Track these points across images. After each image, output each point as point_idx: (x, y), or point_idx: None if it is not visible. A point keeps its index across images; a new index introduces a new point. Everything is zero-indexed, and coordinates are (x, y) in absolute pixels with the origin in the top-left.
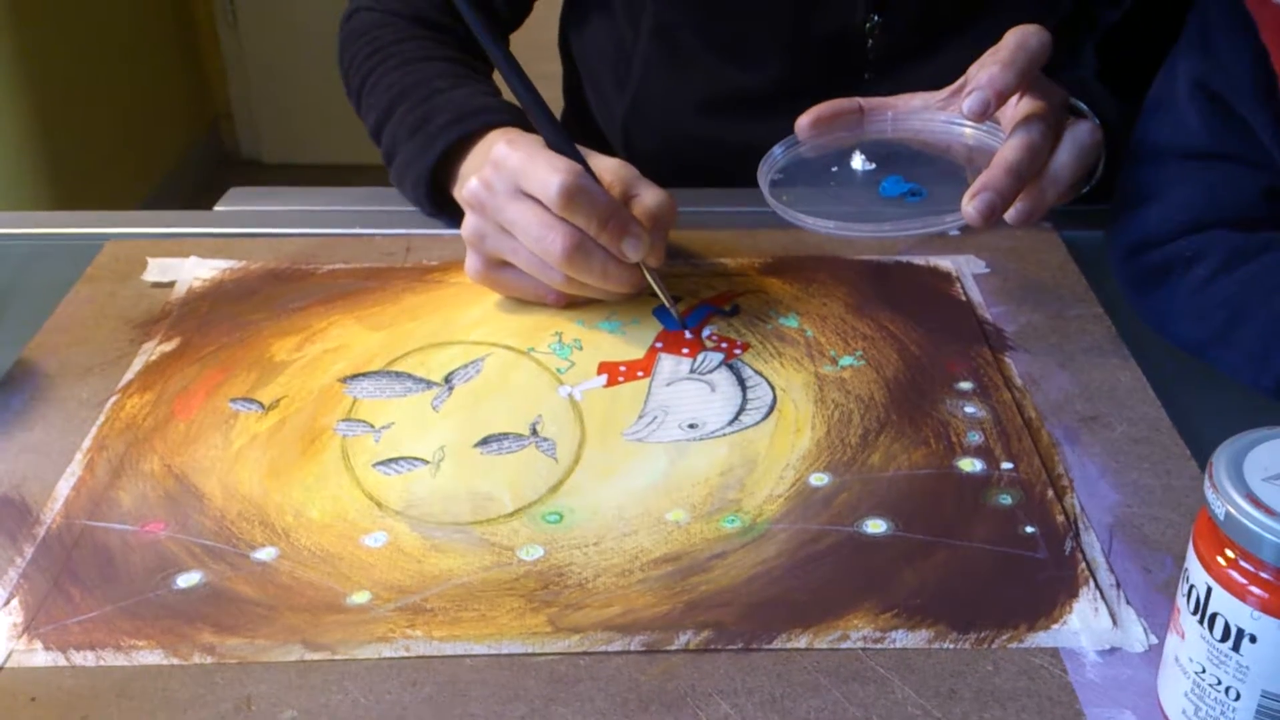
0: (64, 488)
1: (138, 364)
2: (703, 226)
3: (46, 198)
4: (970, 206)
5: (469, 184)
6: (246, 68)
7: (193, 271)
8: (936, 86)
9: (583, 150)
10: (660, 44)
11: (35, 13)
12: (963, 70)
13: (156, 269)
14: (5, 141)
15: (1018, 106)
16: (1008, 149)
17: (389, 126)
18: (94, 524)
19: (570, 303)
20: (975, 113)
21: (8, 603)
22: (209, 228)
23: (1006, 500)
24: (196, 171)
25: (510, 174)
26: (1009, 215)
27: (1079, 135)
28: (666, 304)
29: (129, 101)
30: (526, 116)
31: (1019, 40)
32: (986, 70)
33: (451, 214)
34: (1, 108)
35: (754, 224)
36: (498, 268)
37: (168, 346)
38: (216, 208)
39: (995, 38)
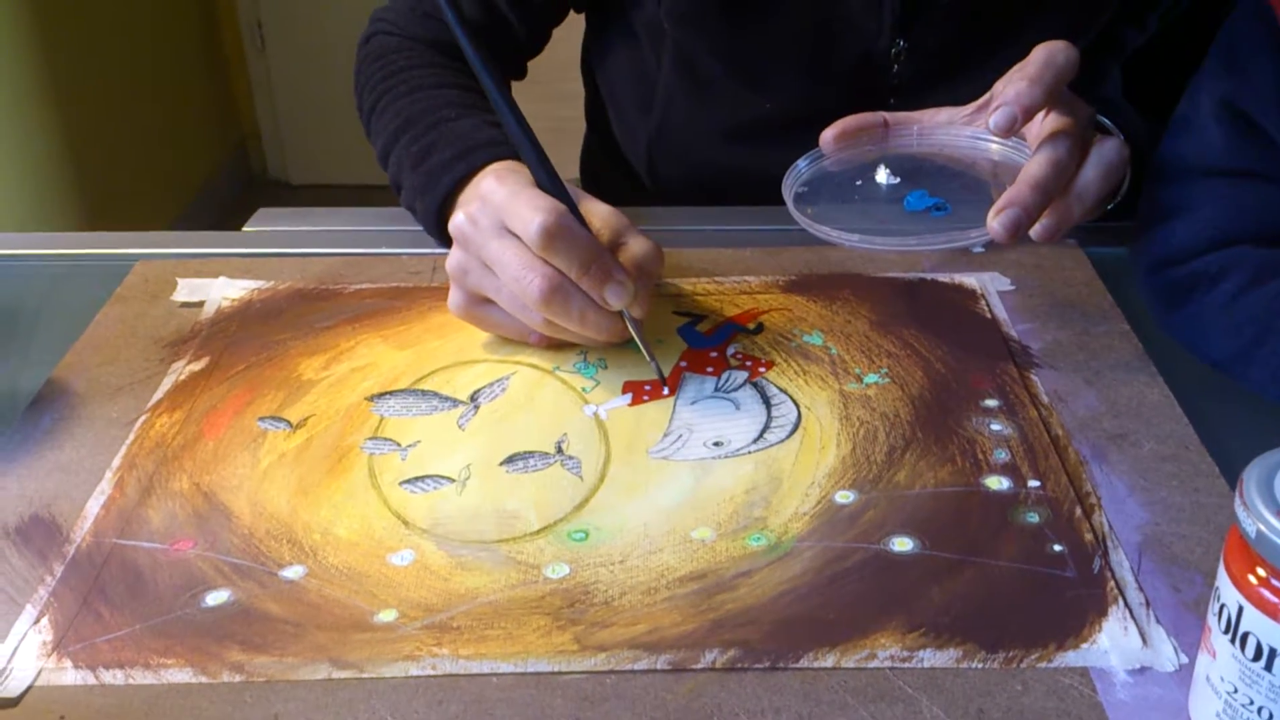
0: (94, 506)
1: (167, 383)
2: (726, 245)
3: (75, 220)
4: (995, 222)
5: (455, 218)
6: (273, 90)
7: (221, 291)
8: None
9: (577, 193)
10: (682, 72)
11: (64, 36)
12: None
13: (186, 289)
14: (35, 164)
15: (1044, 122)
16: (1034, 165)
17: (394, 155)
18: (124, 542)
19: (553, 344)
20: (1002, 128)
21: (38, 621)
22: (238, 248)
23: (1034, 518)
24: (224, 193)
25: (495, 210)
26: (1034, 231)
27: (1106, 152)
28: (647, 357)
29: (157, 124)
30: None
31: (1046, 56)
32: (1013, 85)
33: None
34: (31, 130)
35: (777, 242)
36: (480, 304)
37: (196, 366)
38: (245, 228)
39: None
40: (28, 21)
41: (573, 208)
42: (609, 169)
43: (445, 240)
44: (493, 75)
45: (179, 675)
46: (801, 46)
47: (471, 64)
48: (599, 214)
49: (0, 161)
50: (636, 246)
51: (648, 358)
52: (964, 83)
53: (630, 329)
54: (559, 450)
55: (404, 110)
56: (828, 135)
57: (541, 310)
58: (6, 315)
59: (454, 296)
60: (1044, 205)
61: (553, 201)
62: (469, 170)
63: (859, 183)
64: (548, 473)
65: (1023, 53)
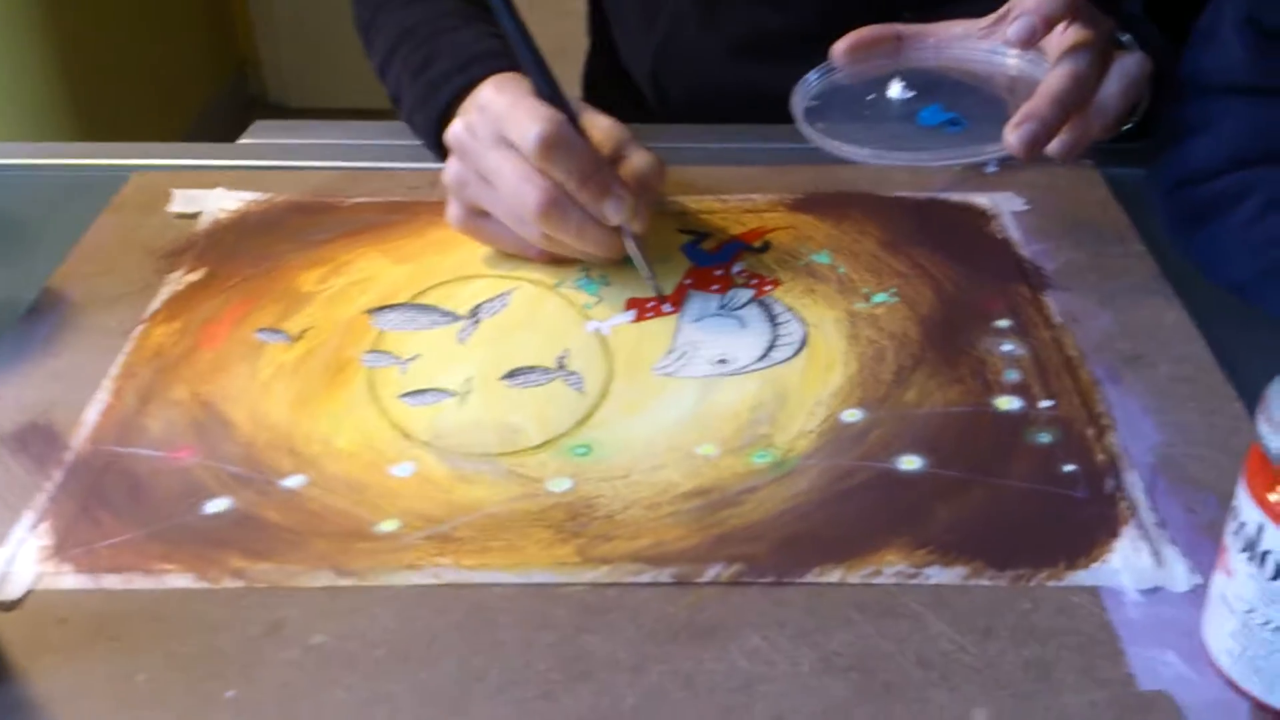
0: (92, 414)
1: (164, 294)
2: (732, 163)
3: (73, 137)
4: (1013, 136)
5: (453, 127)
6: (273, 13)
7: (218, 203)
8: None
9: (579, 105)
10: None
11: None
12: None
13: (182, 200)
14: (31, 87)
15: (1063, 35)
16: (1053, 78)
17: (393, 67)
18: (122, 450)
19: (553, 259)
20: (1020, 39)
21: (36, 526)
22: (234, 159)
23: (1045, 438)
24: (223, 117)
25: (493, 120)
26: (1052, 148)
27: (1128, 66)
28: (645, 275)
29: (156, 48)
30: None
31: None
32: None
33: None
34: (27, 53)
35: (784, 160)
36: (478, 217)
37: (194, 277)
38: (241, 140)
39: None
40: None
41: (573, 118)
42: (612, 87)
43: (443, 154)
44: None
45: (179, 580)
46: None
47: None
48: (600, 126)
49: None
50: (638, 160)
51: (646, 275)
52: None
53: (628, 245)
54: (560, 366)
55: (402, 20)
56: (839, 47)
57: (539, 224)
58: (1, 225)
59: (452, 209)
60: (1063, 120)
61: (552, 111)
62: (468, 82)
63: (871, 97)
64: (549, 387)
65: None
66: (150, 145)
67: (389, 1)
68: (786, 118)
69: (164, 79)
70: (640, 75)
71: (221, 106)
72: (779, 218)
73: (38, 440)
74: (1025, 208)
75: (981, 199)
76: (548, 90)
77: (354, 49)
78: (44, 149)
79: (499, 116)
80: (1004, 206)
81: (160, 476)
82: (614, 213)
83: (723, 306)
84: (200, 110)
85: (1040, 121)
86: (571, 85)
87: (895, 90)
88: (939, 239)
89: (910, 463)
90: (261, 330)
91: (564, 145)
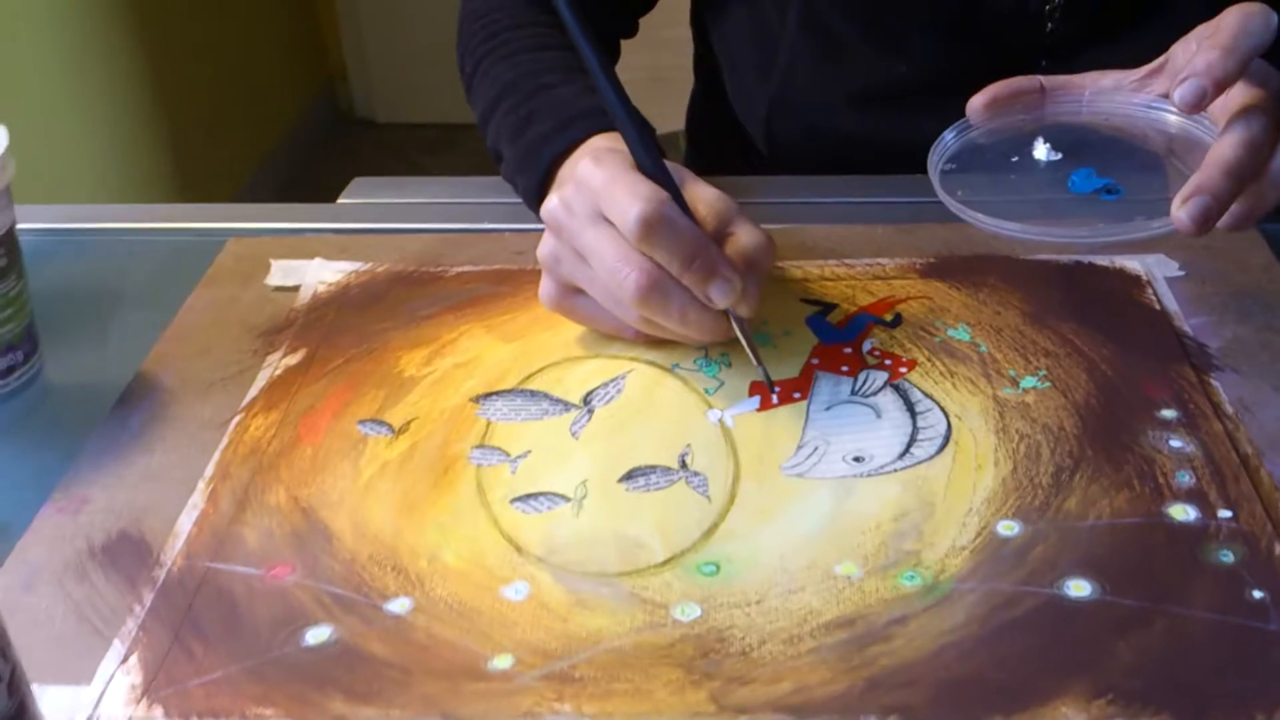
0: (186, 522)
1: (262, 378)
2: (854, 220)
3: (165, 161)
4: (1182, 212)
5: (548, 203)
6: (360, 28)
7: (317, 275)
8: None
9: (681, 174)
10: (810, 33)
11: None
12: (1147, 57)
13: (280, 272)
14: (122, 105)
15: (1232, 95)
16: (1225, 146)
17: (493, 122)
18: (218, 566)
19: (651, 340)
20: (1189, 104)
21: (125, 659)
22: (333, 222)
23: (1228, 557)
24: (313, 131)
25: (591, 196)
26: (1222, 221)
27: None
28: (754, 363)
29: (244, 64)
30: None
31: (1241, 22)
32: (1204, 55)
33: None
34: (119, 69)
35: (911, 217)
36: (572, 295)
37: (292, 359)
38: (340, 200)
39: (1190, 17)
40: None
41: (675, 193)
42: (720, 135)
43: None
44: (593, 46)
45: None
46: (946, 2)
47: (571, 34)
48: (704, 200)
49: (90, 96)
50: (745, 237)
51: (754, 362)
52: (1126, 41)
53: (735, 329)
54: (683, 465)
55: (502, 76)
56: (977, 103)
57: (638, 308)
58: (91, 297)
59: (545, 286)
60: (1237, 192)
61: (653, 188)
62: (568, 145)
63: (1014, 158)
64: (672, 491)
65: (1192, 7)
66: (247, 207)
67: (490, 54)
68: (908, 167)
69: (253, 95)
70: (753, 123)
71: (311, 120)
72: (910, 285)
73: (129, 554)
74: (1180, 273)
75: (1132, 263)
76: (648, 162)
77: (441, 63)
78: (136, 211)
79: (596, 192)
80: (1157, 272)
81: (257, 598)
82: (720, 296)
83: (855, 392)
84: (290, 125)
85: (1213, 196)
86: (672, 118)
87: (1041, 151)
88: (1088, 311)
89: (1079, 588)
90: (363, 422)
91: (666, 226)
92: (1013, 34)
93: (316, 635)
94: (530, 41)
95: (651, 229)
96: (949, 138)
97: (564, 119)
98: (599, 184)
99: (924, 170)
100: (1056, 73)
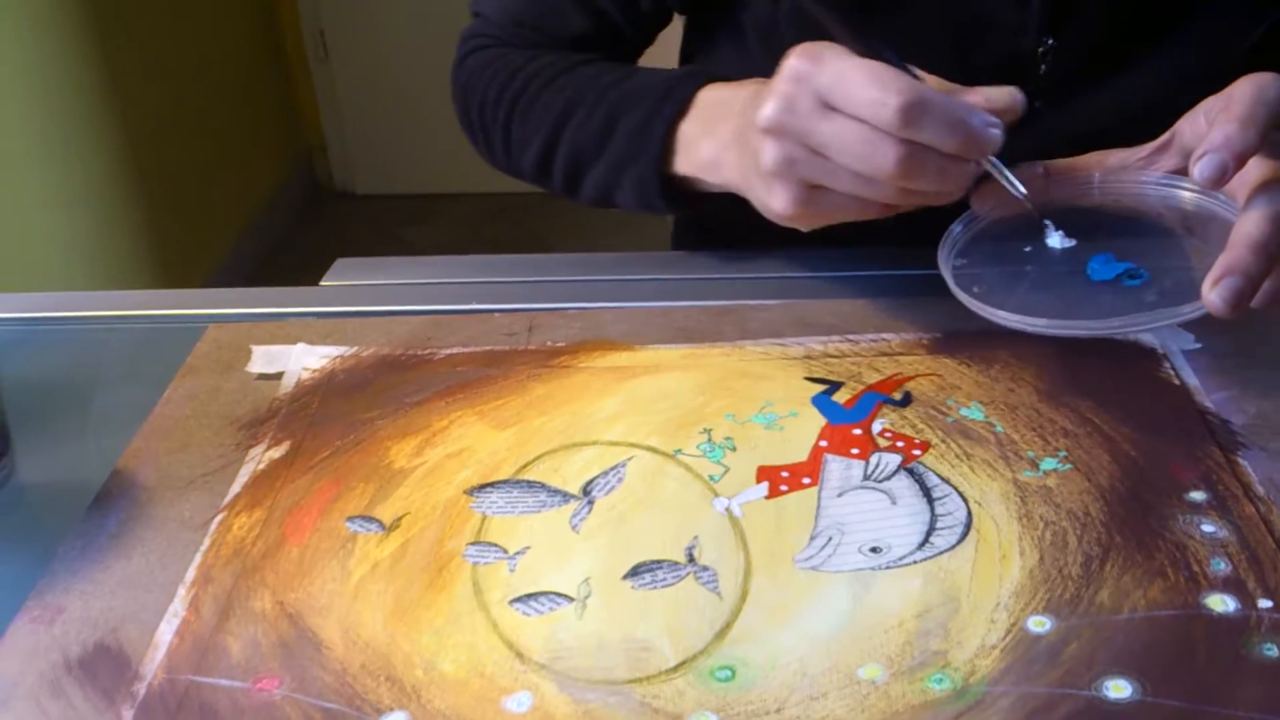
0: (166, 631)
1: (244, 474)
2: (855, 294)
3: (143, 233)
4: (1214, 294)
5: (764, 109)
6: (338, 99)
7: (301, 361)
8: (1116, 115)
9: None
10: None
11: (128, 49)
12: (1142, 99)
13: (261, 358)
14: (98, 178)
15: (1248, 168)
16: (1250, 223)
17: (563, 147)
18: (200, 680)
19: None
20: (1210, 179)
21: None
22: (316, 306)
23: (1272, 652)
24: (291, 203)
25: (816, 89)
26: (1254, 300)
27: None
28: (1009, 186)
29: (222, 137)
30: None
31: (1256, 92)
32: (1221, 129)
33: (684, 205)
34: (96, 143)
35: (915, 291)
36: (814, 195)
37: (276, 453)
38: (323, 282)
39: (1184, 59)
40: (89, 34)
41: (905, 67)
42: (716, 201)
43: (672, 205)
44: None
45: None
46: (939, 46)
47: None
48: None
49: (63, 174)
50: (991, 90)
51: (1009, 184)
52: (1119, 85)
53: (989, 165)
54: (690, 559)
55: (556, 100)
56: (979, 197)
57: (899, 182)
58: (65, 389)
59: (781, 195)
60: (1268, 270)
61: (892, 72)
62: (680, 105)
63: (1028, 249)
64: (680, 588)
65: (1186, 50)
66: (227, 292)
67: (525, 91)
68: (903, 223)
69: (232, 167)
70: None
71: (289, 193)
72: (918, 362)
73: (107, 668)
74: (1196, 346)
75: (1146, 336)
76: (869, 46)
77: (419, 134)
78: (111, 299)
79: (825, 86)
80: (1172, 345)
81: (243, 716)
82: (993, 147)
83: (867, 476)
84: (269, 197)
85: (1244, 275)
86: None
87: (1055, 240)
88: (1105, 387)
89: (1119, 689)
90: (352, 519)
91: (922, 109)
92: (1006, 77)
93: None
94: (565, 65)
95: (911, 116)
96: (957, 230)
97: (662, 91)
98: (828, 77)
99: (923, 225)
100: (1050, 114)
